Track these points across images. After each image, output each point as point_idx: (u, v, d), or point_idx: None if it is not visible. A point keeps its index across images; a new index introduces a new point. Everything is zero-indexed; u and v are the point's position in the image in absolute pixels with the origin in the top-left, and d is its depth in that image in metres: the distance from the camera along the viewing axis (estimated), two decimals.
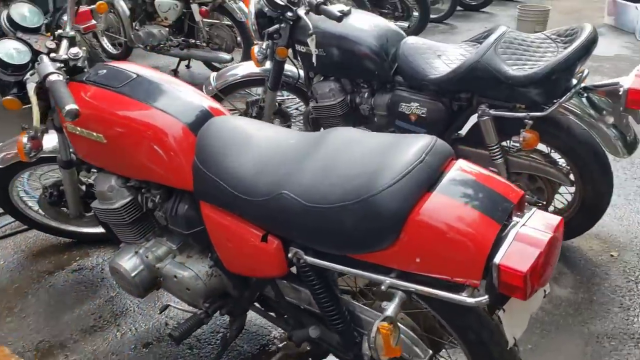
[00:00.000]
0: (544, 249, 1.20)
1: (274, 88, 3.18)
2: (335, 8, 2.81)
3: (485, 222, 1.25)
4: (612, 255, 2.68)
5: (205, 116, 1.77)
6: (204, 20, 5.10)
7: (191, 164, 1.68)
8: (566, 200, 2.70)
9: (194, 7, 5.05)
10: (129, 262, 1.95)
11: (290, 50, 2.97)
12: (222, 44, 5.15)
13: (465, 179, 1.33)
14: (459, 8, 7.94)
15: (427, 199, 1.29)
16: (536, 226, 1.25)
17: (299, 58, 2.98)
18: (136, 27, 5.44)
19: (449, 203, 1.28)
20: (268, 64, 3.12)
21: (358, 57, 2.71)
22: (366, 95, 2.85)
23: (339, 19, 2.55)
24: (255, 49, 2.83)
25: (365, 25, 2.76)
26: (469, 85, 2.46)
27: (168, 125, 1.73)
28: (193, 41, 5.23)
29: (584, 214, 2.57)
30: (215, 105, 1.85)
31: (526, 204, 1.38)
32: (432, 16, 7.35)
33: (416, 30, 6.67)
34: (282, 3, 2.74)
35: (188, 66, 5.67)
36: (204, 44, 5.18)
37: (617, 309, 2.34)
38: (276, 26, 2.86)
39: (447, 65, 2.56)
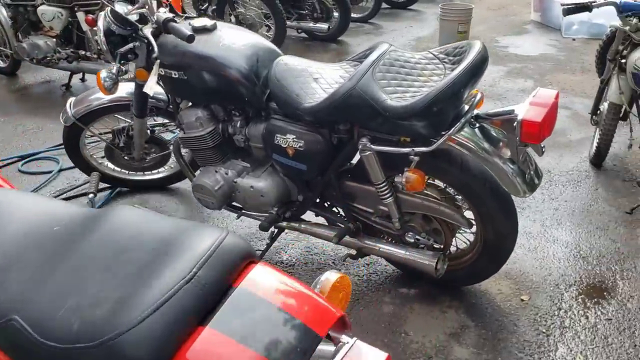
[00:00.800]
0: None
1: (141, 115, 2.74)
2: (199, 22, 2.39)
3: None
4: (522, 300, 2.35)
5: None
6: (93, 29, 4.56)
7: None
8: (468, 240, 2.36)
9: (80, 16, 4.53)
10: None
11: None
12: None
13: (259, 302, 0.93)
14: (385, 6, 7.62)
15: (197, 339, 0.88)
16: None
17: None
18: (20, 38, 4.88)
19: (226, 346, 0.87)
20: (127, 89, 2.68)
21: (224, 80, 2.28)
22: (239, 124, 2.43)
23: (188, 39, 2.12)
24: (102, 73, 2.36)
25: (232, 43, 2.33)
26: (346, 115, 2.08)
27: None
28: (83, 52, 4.71)
29: (487, 256, 2.24)
30: None
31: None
32: (356, 15, 7.02)
33: (337, 31, 6.31)
34: (130, 19, 2.29)
35: (83, 79, 5.12)
36: (95, 56, 4.66)
37: None
38: (129, 45, 2.41)
39: (324, 90, 2.17)
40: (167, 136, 3.13)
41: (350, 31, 6.49)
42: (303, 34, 6.51)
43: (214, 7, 5.87)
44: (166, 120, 2.98)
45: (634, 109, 3.13)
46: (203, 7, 5.92)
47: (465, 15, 5.73)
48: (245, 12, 5.75)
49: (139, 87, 2.58)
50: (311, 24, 6.22)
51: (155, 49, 2.18)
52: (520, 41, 6.19)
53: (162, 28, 2.22)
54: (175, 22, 2.23)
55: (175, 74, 2.34)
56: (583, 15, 6.03)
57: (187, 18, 2.54)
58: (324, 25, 6.17)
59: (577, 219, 2.91)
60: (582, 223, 2.87)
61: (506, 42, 6.18)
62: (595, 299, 2.35)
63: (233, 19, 5.75)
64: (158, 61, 2.20)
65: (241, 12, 5.76)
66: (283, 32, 5.71)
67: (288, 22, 6.00)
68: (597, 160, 3.38)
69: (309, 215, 2.50)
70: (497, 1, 8.16)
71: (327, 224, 2.50)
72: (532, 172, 2.02)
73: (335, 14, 6.23)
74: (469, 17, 5.77)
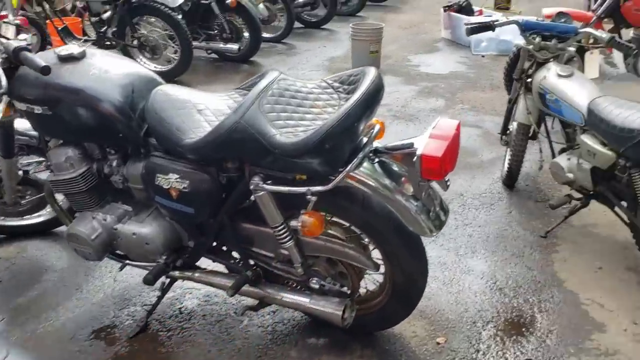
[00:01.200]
0: None
1: (7, 155, 2.41)
2: (66, 50, 2.08)
3: None
4: (438, 343, 2.18)
5: None
6: None
7: None
8: (378, 282, 2.17)
9: None
10: None
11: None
12: None
13: None
14: (298, 25, 7.49)
15: None
16: None
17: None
18: None
19: None
20: None
21: (94, 115, 1.98)
22: (115, 163, 2.14)
23: (42, 71, 1.82)
24: None
25: (104, 71, 2.04)
26: (232, 152, 1.84)
27: None
28: None
29: (397, 299, 2.05)
30: None
31: None
32: (268, 35, 6.84)
33: (249, 52, 6.09)
34: None
35: None
36: None
37: None
38: None
39: (208, 123, 1.93)
40: (45, 175, 2.77)
41: (262, 51, 6.29)
42: (214, 55, 6.24)
43: (114, 29, 5.48)
44: (41, 159, 2.63)
45: (542, 129, 3.08)
46: (102, 30, 5.52)
47: (376, 35, 5.65)
48: (147, 34, 5.41)
49: (2, 123, 2.25)
50: (221, 45, 5.97)
51: (3, 82, 1.86)
52: (432, 59, 6.20)
53: (13, 58, 1.91)
54: (29, 51, 1.92)
55: (38, 110, 2.03)
56: (491, 32, 6.18)
57: (86, 41, 2.25)
58: (234, 46, 5.93)
59: (491, 245, 2.80)
60: (497, 250, 2.76)
61: (418, 60, 6.17)
62: (514, 337, 2.21)
63: (135, 41, 5.41)
64: (5, 97, 1.88)
65: (143, 33, 5.42)
66: (189, 54, 5.42)
67: (196, 43, 5.72)
68: (509, 181, 3.32)
69: (206, 262, 2.24)
70: (408, 19, 8.22)
71: (227, 271, 2.24)
72: (437, 208, 1.84)
73: (246, 34, 6.01)
74: (380, 36, 5.70)
